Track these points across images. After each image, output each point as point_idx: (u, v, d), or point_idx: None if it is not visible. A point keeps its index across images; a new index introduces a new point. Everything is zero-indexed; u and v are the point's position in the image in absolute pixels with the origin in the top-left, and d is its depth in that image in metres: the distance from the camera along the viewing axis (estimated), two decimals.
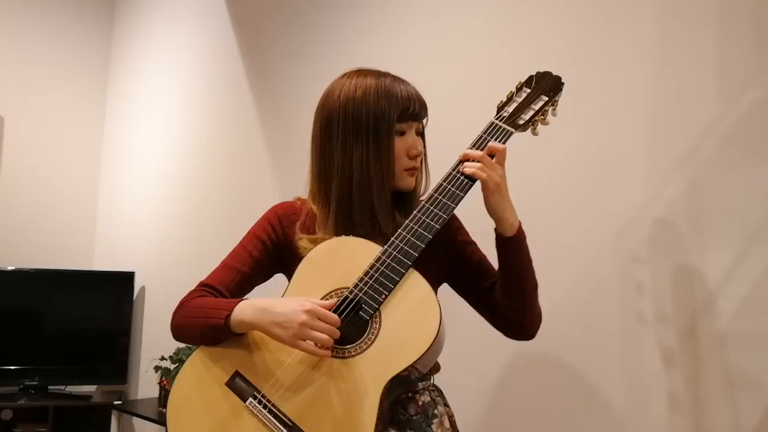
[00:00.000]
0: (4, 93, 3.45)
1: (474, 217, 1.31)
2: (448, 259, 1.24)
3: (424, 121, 1.24)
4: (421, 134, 1.24)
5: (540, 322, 1.21)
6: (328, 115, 1.18)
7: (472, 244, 1.28)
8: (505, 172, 1.12)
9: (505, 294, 1.16)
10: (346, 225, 1.17)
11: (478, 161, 1.10)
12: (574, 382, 1.60)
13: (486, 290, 1.23)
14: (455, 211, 1.14)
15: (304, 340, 1.03)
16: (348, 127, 1.16)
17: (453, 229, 1.26)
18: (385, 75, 1.20)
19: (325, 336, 1.02)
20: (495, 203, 1.11)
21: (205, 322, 1.12)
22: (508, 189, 1.13)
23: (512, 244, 1.13)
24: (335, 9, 2.42)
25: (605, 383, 1.54)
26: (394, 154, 1.16)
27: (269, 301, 1.08)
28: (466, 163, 1.12)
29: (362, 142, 1.15)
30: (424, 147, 1.25)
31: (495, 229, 1.14)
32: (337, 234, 1.17)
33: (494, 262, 1.24)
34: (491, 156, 1.12)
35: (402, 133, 1.18)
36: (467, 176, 1.11)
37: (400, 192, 1.22)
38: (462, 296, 1.28)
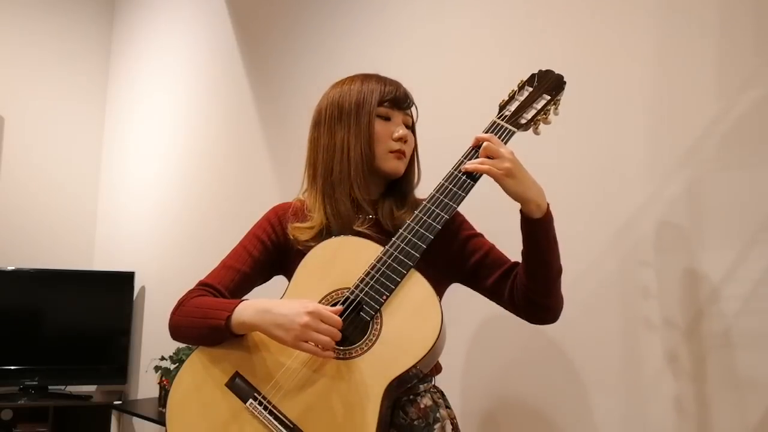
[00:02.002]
0: (4, 93, 3.45)
1: (479, 214, 1.31)
2: (454, 257, 1.24)
3: (413, 115, 1.28)
4: (411, 129, 1.27)
5: (562, 305, 1.19)
6: (319, 110, 1.27)
7: (479, 236, 1.27)
8: (514, 158, 1.09)
9: (530, 277, 1.13)
10: (331, 202, 1.21)
11: (484, 142, 1.10)
12: (575, 383, 1.59)
13: (500, 279, 1.21)
14: (460, 209, 1.14)
15: (306, 342, 1.02)
16: (334, 114, 1.23)
17: (456, 225, 1.25)
18: (371, 76, 1.26)
19: (326, 338, 1.02)
20: (512, 189, 1.08)
21: (204, 323, 1.11)
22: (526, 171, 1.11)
23: (539, 226, 1.11)
24: (336, 10, 2.42)
25: (607, 383, 1.54)
26: (374, 134, 1.21)
27: (271, 302, 1.08)
28: (467, 163, 1.11)
29: (345, 124, 1.22)
30: (416, 144, 1.28)
31: (520, 210, 1.12)
32: (325, 212, 1.20)
33: (504, 250, 1.23)
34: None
35: (387, 119, 1.23)
36: (468, 175, 1.11)
37: (392, 183, 1.25)
38: (476, 290, 1.26)
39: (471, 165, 1.10)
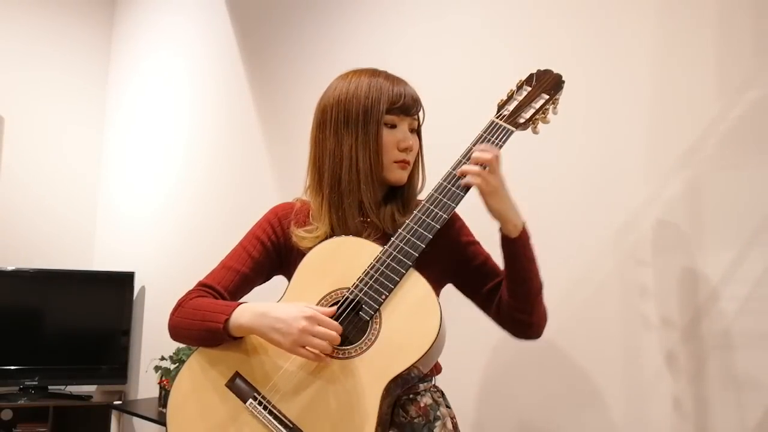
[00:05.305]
0: (4, 93, 3.45)
1: (478, 218, 1.31)
2: (451, 260, 1.24)
3: (420, 118, 1.26)
4: (417, 133, 1.25)
5: (546, 321, 1.21)
6: (323, 108, 1.22)
7: (476, 243, 1.27)
8: (502, 175, 1.11)
9: (511, 294, 1.15)
10: (338, 212, 1.19)
11: (479, 163, 1.10)
12: (575, 383, 1.59)
13: (492, 290, 1.22)
14: (457, 211, 1.14)
15: (304, 346, 1.03)
16: (340, 117, 1.19)
17: (455, 229, 1.26)
18: (379, 73, 1.22)
19: (324, 342, 1.02)
20: (494, 206, 1.10)
21: (203, 325, 1.11)
22: (509, 189, 1.13)
23: (517, 245, 1.13)
24: (335, 11, 2.42)
25: (606, 384, 1.54)
26: (381, 144, 1.18)
27: (269, 305, 1.08)
28: (461, 168, 1.11)
29: (352, 131, 1.18)
30: (421, 147, 1.26)
31: (499, 229, 1.14)
32: (331, 222, 1.19)
33: (499, 261, 1.24)
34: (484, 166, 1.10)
35: (393, 126, 1.20)
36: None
37: (395, 188, 1.24)
38: (467, 297, 1.27)
39: (466, 173, 1.10)
